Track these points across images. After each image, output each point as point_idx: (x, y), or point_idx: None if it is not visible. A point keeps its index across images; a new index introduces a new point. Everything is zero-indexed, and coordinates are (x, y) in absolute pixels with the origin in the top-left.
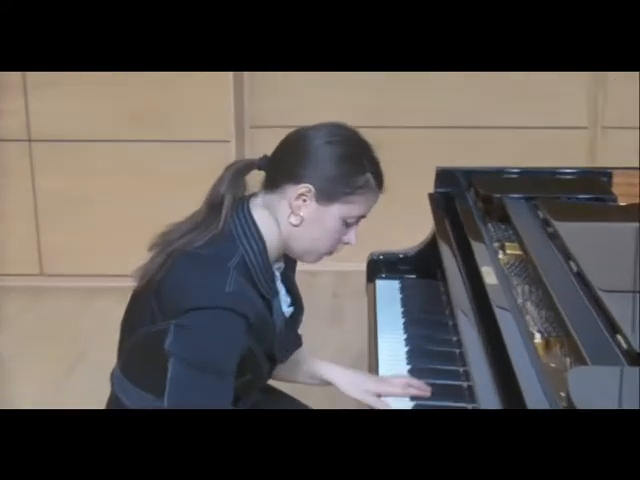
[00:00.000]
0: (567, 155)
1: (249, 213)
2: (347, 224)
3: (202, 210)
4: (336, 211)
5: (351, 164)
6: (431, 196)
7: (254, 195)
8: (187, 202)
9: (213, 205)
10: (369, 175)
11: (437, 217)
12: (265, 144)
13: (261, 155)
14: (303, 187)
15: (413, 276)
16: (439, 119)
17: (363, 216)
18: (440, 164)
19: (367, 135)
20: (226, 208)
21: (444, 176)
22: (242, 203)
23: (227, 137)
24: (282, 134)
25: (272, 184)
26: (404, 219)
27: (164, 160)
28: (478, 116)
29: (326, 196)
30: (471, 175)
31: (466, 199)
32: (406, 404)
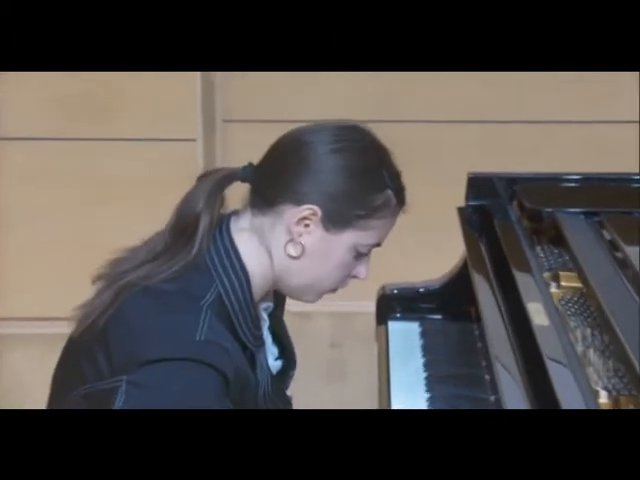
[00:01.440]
0: (615, 154)
1: (230, 238)
2: (358, 254)
3: (166, 233)
4: (347, 239)
5: (367, 178)
6: (461, 211)
7: (236, 215)
8: (143, 219)
9: (183, 227)
10: (389, 192)
11: (469, 238)
12: (242, 141)
13: (237, 157)
14: (307, 209)
15: (438, 316)
16: (464, 111)
17: (378, 244)
18: (471, 168)
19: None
20: (202, 232)
21: (478, 184)
22: (221, 225)
23: (192, 134)
24: (263, 129)
25: (263, 203)
26: (425, 241)
27: (110, 164)
28: (510, 108)
29: (336, 220)
30: (514, 183)
31: (507, 215)
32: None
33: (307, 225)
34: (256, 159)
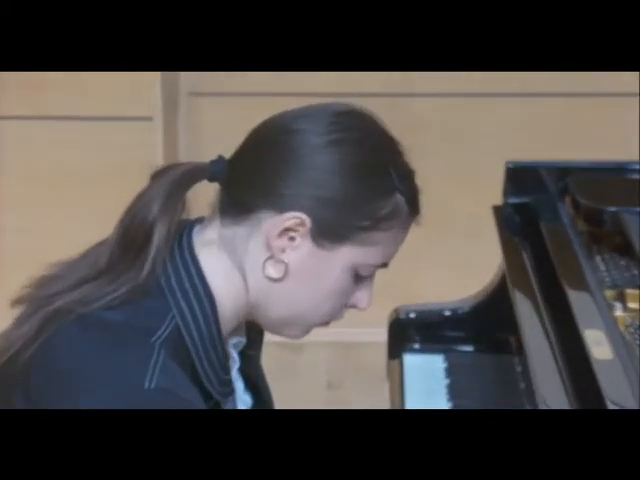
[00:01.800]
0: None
1: (192, 254)
2: (358, 277)
3: (111, 245)
4: (344, 257)
5: (371, 179)
6: (498, 211)
7: (200, 223)
8: (84, 221)
9: (132, 239)
10: (399, 197)
11: (508, 246)
12: (211, 120)
13: (206, 140)
14: (292, 218)
15: (468, 348)
16: (498, 81)
17: (385, 264)
18: (509, 154)
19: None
20: (156, 246)
21: (519, 176)
22: (181, 237)
23: (148, 111)
24: (237, 104)
25: (237, 208)
26: (450, 249)
27: (41, 149)
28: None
29: (329, 233)
30: (567, 174)
31: (558, 215)
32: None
33: (292, 238)
34: (230, 141)
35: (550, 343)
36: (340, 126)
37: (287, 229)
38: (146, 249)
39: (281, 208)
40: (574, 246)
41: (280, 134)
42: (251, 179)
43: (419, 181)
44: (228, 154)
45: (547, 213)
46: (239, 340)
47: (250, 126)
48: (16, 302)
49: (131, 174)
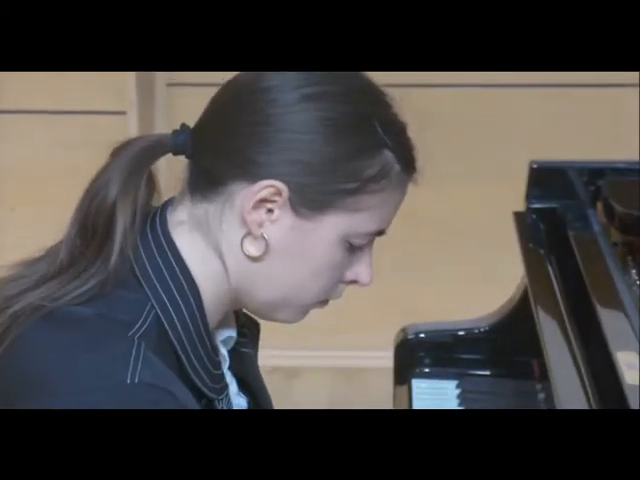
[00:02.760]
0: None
1: (168, 237)
2: (352, 247)
3: (68, 238)
4: (331, 227)
5: (353, 136)
6: (519, 217)
7: (171, 205)
8: (52, 222)
9: (92, 226)
10: (387, 153)
11: (531, 258)
12: (192, 112)
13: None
14: (267, 187)
15: (484, 372)
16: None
17: (381, 232)
18: (533, 153)
19: None
20: (120, 231)
21: (545, 178)
22: (153, 219)
23: (122, 106)
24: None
25: (206, 182)
26: (464, 260)
27: (4, 145)
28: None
29: (311, 200)
30: (600, 176)
31: (589, 223)
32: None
33: (270, 210)
34: None
35: (577, 367)
36: (313, 79)
37: (262, 200)
38: (110, 235)
39: (254, 177)
40: (606, 258)
41: (246, 94)
42: (218, 147)
43: (429, 183)
44: None
45: (576, 220)
46: (229, 335)
47: None
48: None
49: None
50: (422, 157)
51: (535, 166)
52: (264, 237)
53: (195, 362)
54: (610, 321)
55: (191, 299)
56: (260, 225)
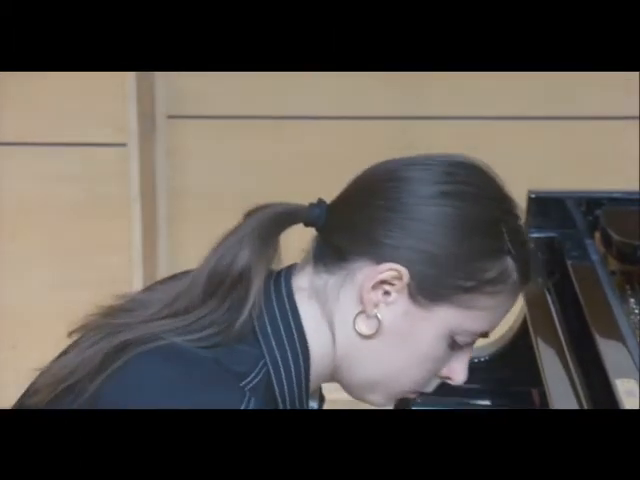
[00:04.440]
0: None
1: (291, 301)
2: (455, 344)
3: (191, 287)
4: (442, 320)
5: (481, 237)
6: None
7: (294, 270)
8: (47, 256)
9: (217, 281)
10: (509, 261)
11: (530, 287)
12: (194, 145)
13: (188, 168)
14: (389, 269)
15: (484, 402)
16: (514, 102)
17: (486, 334)
18: (531, 183)
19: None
20: (255, 289)
21: (543, 207)
22: (277, 281)
23: (121, 138)
24: (222, 127)
25: (331, 255)
26: None
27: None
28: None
29: (429, 290)
30: (598, 206)
31: (587, 252)
32: None
33: (387, 293)
34: (215, 170)
35: (577, 395)
36: (453, 177)
37: (382, 282)
38: (236, 293)
39: (378, 259)
40: (605, 287)
41: (388, 180)
42: (350, 225)
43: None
44: (214, 185)
45: (574, 250)
46: (311, 406)
47: (240, 153)
48: (78, 329)
49: (101, 208)
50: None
51: (533, 196)
52: (377, 317)
53: None
54: (609, 349)
55: (301, 362)
56: (376, 305)
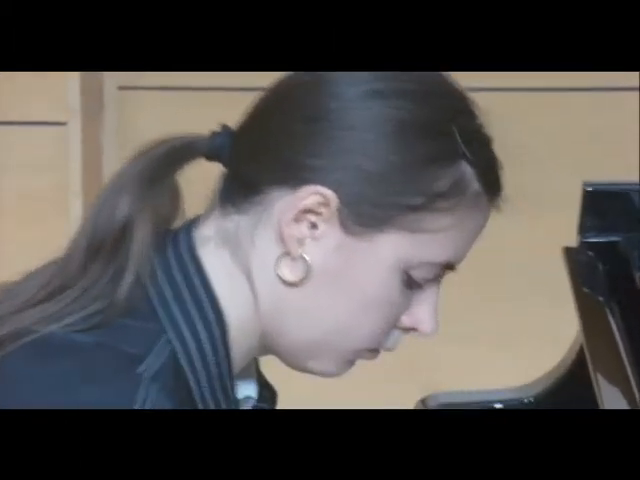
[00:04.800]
0: None
1: (194, 259)
2: (413, 282)
3: (69, 256)
4: (388, 249)
5: (427, 140)
6: (571, 254)
7: (195, 221)
8: None
9: (100, 242)
10: (465, 166)
11: (587, 307)
12: (153, 123)
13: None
14: (311, 193)
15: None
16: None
17: (451, 266)
18: (586, 173)
19: None
20: (137, 248)
21: (604, 204)
22: (175, 238)
23: (60, 116)
24: (183, 100)
25: (240, 191)
26: (497, 314)
27: None
28: None
29: (366, 214)
30: None
31: None
32: None
33: (314, 225)
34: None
35: None
36: (387, 75)
37: (306, 211)
38: (122, 255)
39: (298, 183)
40: None
41: (303, 88)
42: (261, 148)
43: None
44: None
45: None
46: (247, 395)
47: (205, 129)
48: None
49: (36, 199)
50: None
51: (590, 189)
52: (304, 258)
53: (211, 407)
54: None
55: (216, 332)
56: (300, 243)
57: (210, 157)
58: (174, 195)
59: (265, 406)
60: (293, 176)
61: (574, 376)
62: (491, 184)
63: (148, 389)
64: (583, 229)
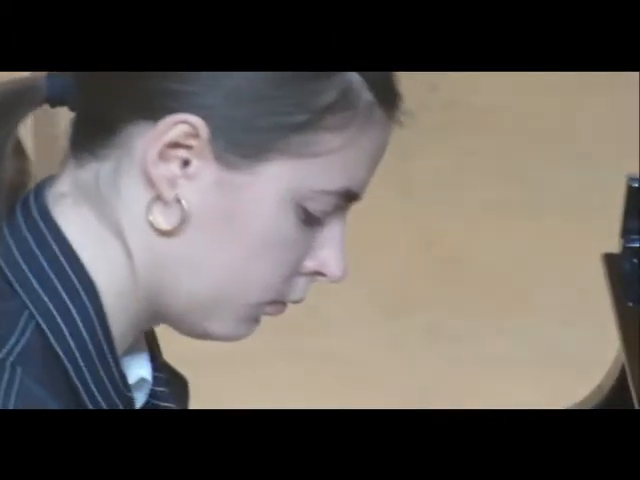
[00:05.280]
0: None
1: (46, 216)
2: (311, 218)
3: None
4: (274, 179)
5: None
6: (612, 262)
7: (47, 180)
8: None
9: None
10: (353, 75)
11: (630, 322)
12: None
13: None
14: (176, 122)
15: None
16: None
17: (352, 194)
18: (628, 166)
19: None
20: None
21: None
22: (25, 202)
23: None
24: None
25: (94, 133)
26: (525, 329)
27: None
28: None
29: (243, 142)
30: None
31: None
32: None
33: (186, 162)
34: None
35: None
36: None
37: (172, 145)
38: None
39: (160, 113)
40: None
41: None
42: (111, 81)
43: (473, 213)
44: None
45: None
46: (141, 378)
47: None
48: None
49: None
50: (468, 172)
51: (636, 184)
52: (179, 201)
53: (95, 390)
54: None
55: (85, 300)
56: (172, 184)
57: (53, 102)
58: (19, 156)
59: (165, 390)
60: (154, 106)
61: (614, 402)
62: (385, 93)
63: (12, 375)
64: (627, 232)
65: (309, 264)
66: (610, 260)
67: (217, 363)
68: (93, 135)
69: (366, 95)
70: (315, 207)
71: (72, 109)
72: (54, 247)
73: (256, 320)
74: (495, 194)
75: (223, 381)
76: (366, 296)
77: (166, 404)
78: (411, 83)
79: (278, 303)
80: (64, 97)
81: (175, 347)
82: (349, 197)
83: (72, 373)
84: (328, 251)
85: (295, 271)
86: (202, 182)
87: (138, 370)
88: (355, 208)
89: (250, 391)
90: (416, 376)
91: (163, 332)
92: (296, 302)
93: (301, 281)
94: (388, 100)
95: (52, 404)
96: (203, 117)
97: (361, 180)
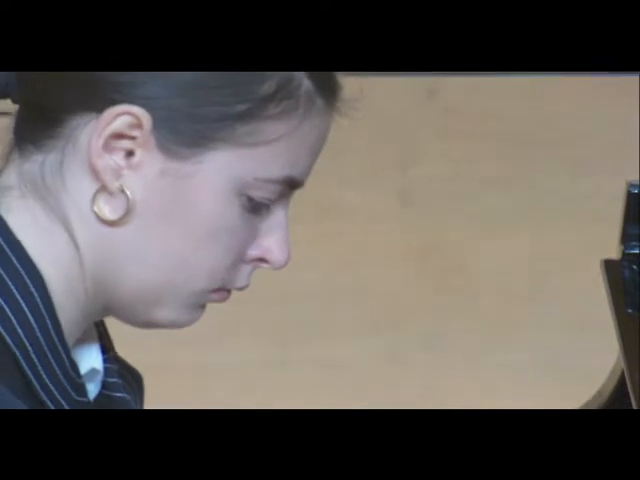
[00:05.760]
0: None
1: None
2: (255, 206)
3: None
4: (218, 168)
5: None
6: (612, 269)
7: None
8: None
9: None
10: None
11: (630, 329)
12: None
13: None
14: (120, 114)
15: None
16: None
17: (295, 182)
18: (629, 172)
19: None
20: None
21: None
22: None
23: None
24: None
25: (37, 125)
26: (525, 338)
27: None
28: None
29: (186, 132)
30: None
31: None
32: None
33: (129, 152)
34: None
35: None
36: None
37: (116, 135)
38: None
39: (103, 104)
40: None
41: None
42: (54, 72)
43: (473, 223)
44: None
45: None
46: (92, 368)
47: None
48: None
49: None
50: (467, 175)
51: (636, 190)
52: (123, 191)
53: (47, 380)
54: None
55: (33, 290)
56: (117, 174)
57: (4, 96)
58: None
59: (117, 381)
60: (97, 98)
61: (612, 410)
62: (325, 82)
63: None
64: (626, 239)
65: (253, 252)
66: (610, 266)
67: (217, 372)
68: (37, 127)
69: (306, 84)
70: (259, 195)
71: (14, 101)
72: (4, 246)
73: (201, 307)
74: (495, 201)
75: (223, 390)
76: (365, 304)
77: (119, 394)
78: (410, 89)
79: (223, 290)
80: (7, 92)
81: (176, 356)
82: (292, 185)
83: (22, 362)
84: (272, 238)
85: (240, 259)
86: (146, 172)
87: (89, 361)
88: (354, 215)
89: (249, 400)
90: (416, 385)
91: (166, 341)
92: (240, 289)
93: (246, 268)
94: (328, 89)
95: (13, 399)
96: (146, 108)
97: (303, 168)
